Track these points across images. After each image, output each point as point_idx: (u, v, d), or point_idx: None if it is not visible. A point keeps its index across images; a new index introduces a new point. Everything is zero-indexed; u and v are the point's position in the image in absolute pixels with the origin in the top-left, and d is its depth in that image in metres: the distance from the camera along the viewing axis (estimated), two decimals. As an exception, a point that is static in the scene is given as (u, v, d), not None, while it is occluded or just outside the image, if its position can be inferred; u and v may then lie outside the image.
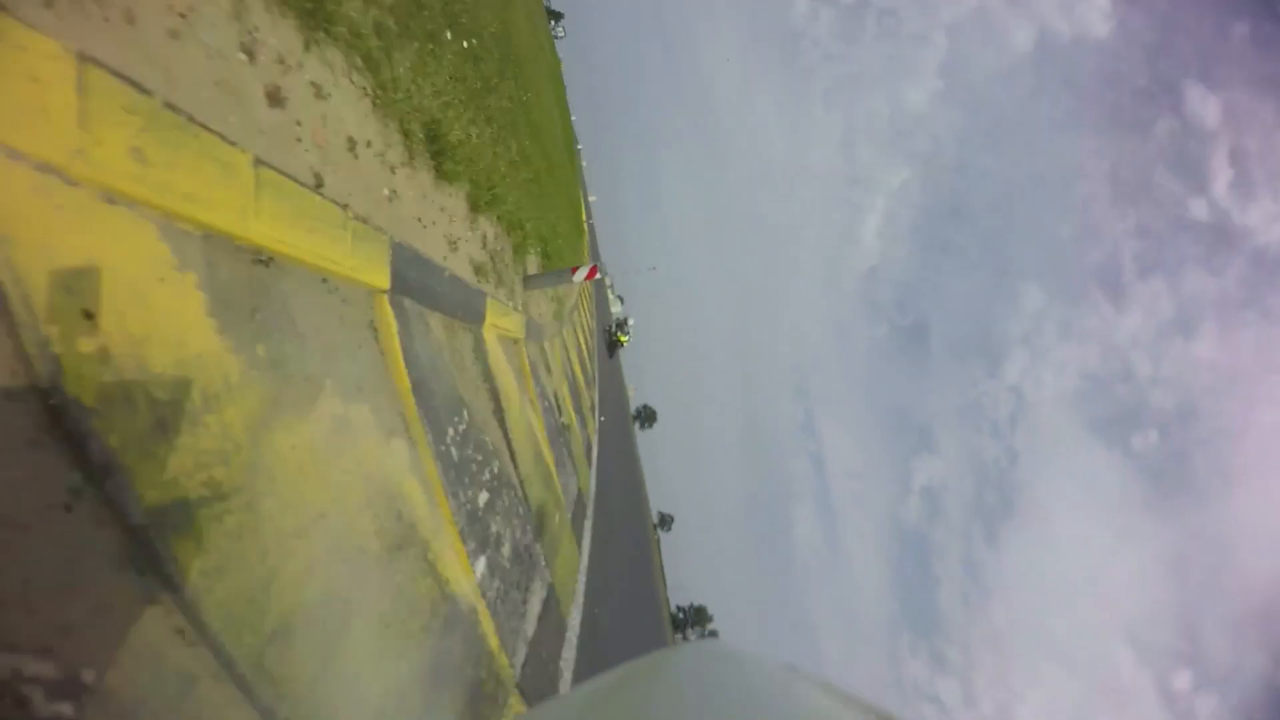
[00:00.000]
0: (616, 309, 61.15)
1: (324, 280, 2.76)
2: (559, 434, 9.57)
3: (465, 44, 6.74)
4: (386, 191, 3.53)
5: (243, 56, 2.28)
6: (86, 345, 1.47)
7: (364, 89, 3.37)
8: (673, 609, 79.32)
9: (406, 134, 3.98)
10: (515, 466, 5.72)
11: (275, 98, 2.45)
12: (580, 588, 7.82)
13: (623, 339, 29.06)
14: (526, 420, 6.95)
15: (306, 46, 2.80)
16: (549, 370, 10.42)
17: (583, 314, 24.56)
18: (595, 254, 53.15)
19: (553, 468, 8.09)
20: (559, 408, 10.41)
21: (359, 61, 3.34)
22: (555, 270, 9.50)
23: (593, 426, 16.68)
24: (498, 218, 6.76)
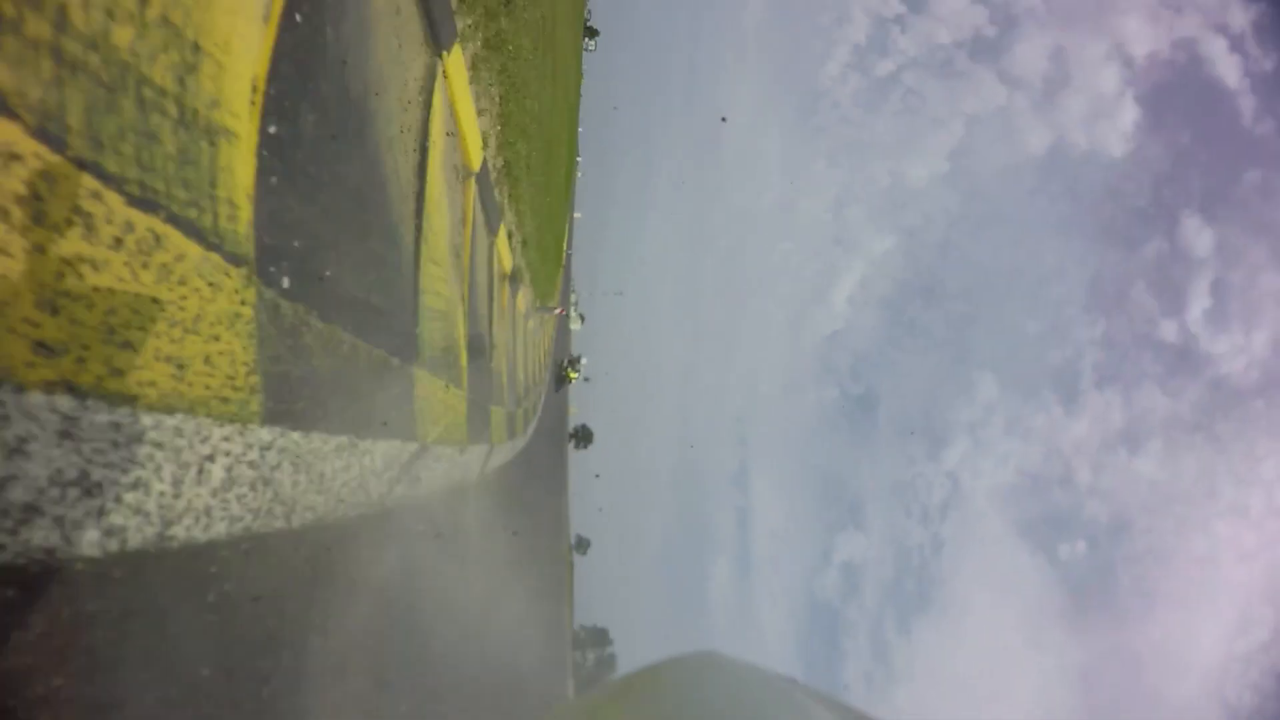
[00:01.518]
0: (576, 326, 62.11)
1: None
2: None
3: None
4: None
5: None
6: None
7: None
8: (575, 627, 79.30)
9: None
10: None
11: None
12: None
13: (571, 375, 30.03)
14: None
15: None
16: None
17: (544, 333, 25.51)
18: (568, 277, 53.73)
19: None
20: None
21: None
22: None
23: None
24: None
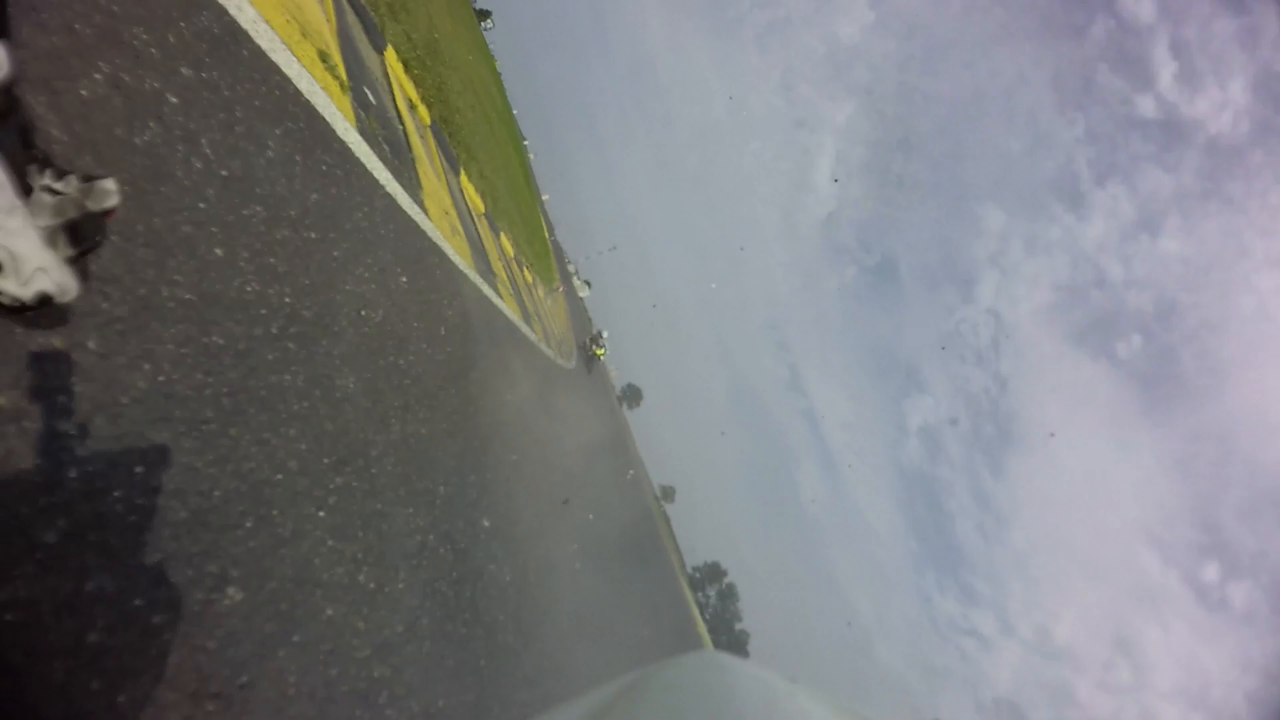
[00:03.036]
0: (585, 293, 62.54)
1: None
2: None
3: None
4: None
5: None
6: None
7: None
8: (687, 570, 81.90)
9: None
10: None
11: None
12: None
13: (599, 352, 30.39)
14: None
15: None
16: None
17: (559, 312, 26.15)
18: (559, 257, 54.13)
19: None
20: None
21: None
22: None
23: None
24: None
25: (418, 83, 8.27)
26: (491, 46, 60.17)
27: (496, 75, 50.40)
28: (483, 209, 11.68)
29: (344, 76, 4.54)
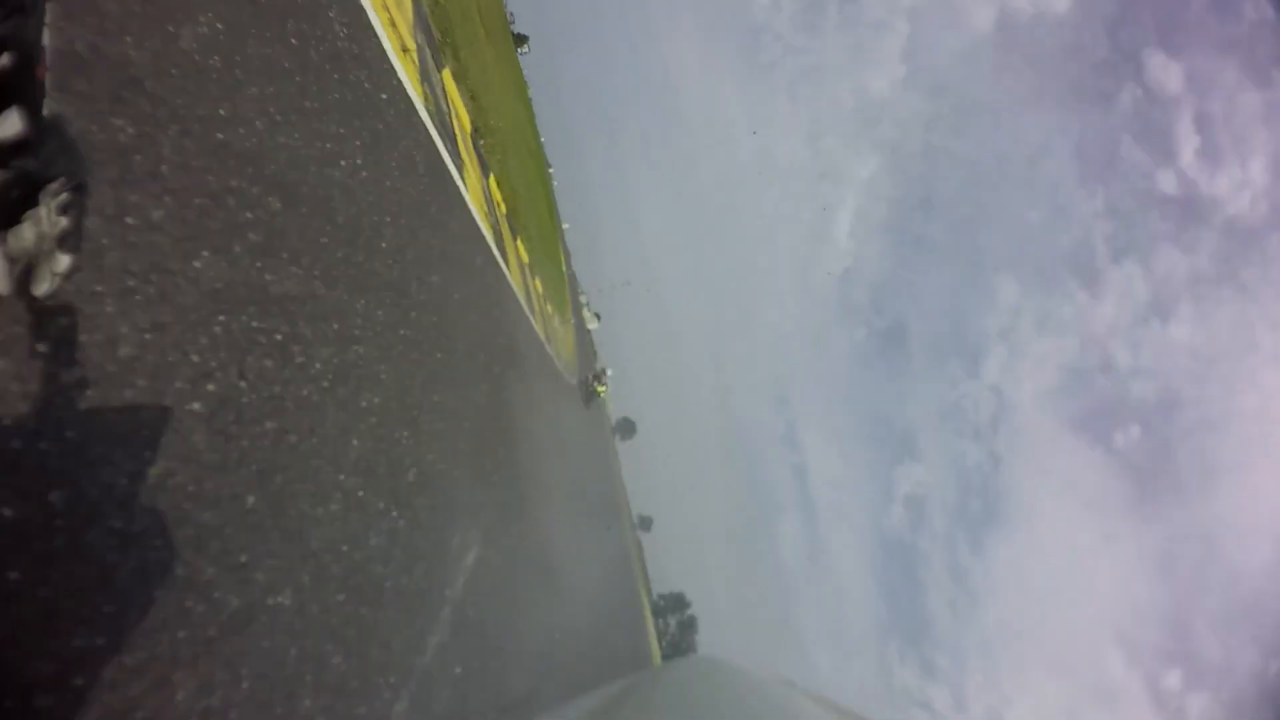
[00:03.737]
0: (594, 325, 64.03)
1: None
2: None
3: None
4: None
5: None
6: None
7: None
8: (653, 597, 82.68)
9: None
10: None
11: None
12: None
13: (600, 390, 29.09)
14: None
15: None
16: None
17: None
18: (573, 287, 56.09)
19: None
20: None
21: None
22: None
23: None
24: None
25: (470, 99, 10.74)
26: (525, 71, 63.73)
27: (528, 102, 53.44)
28: (505, 210, 14.06)
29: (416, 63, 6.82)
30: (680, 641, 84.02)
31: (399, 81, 5.71)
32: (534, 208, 25.87)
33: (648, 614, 63.19)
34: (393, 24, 6.07)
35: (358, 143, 4.06)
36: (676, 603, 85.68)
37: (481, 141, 12.14)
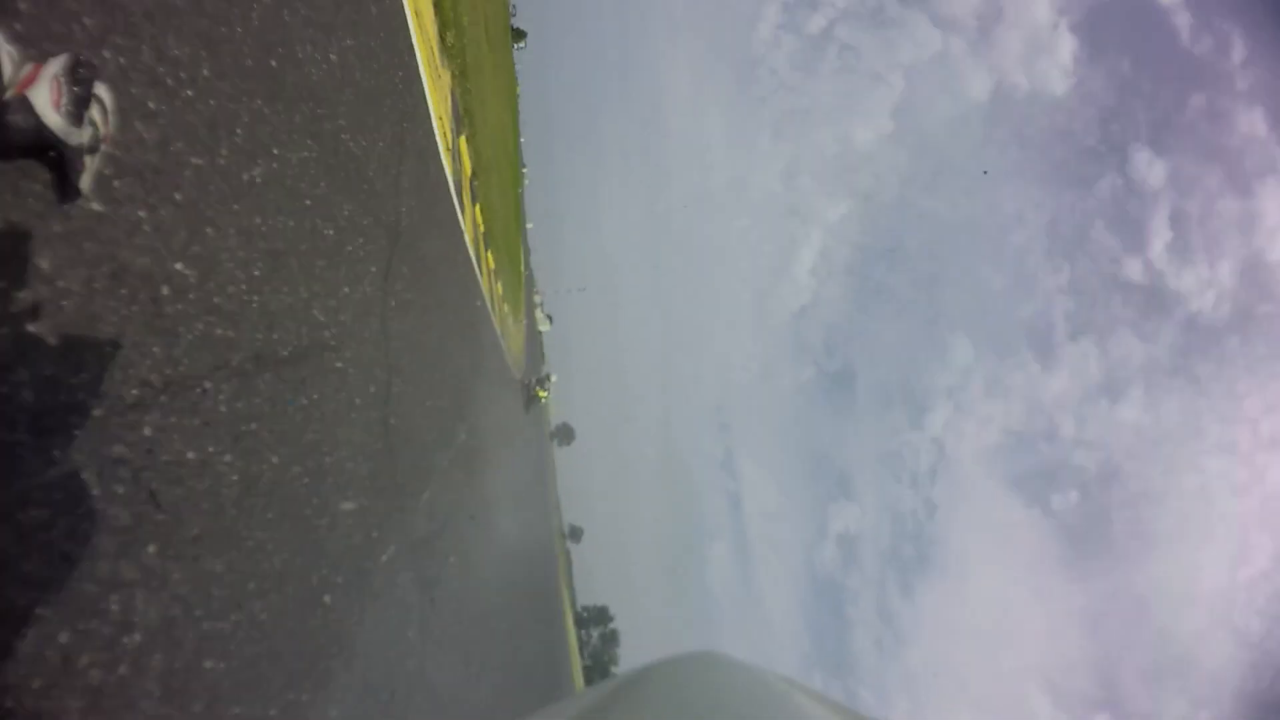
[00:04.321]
0: (545, 328, 63.79)
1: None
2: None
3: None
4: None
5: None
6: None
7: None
8: (578, 608, 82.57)
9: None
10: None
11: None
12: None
13: (542, 395, 29.45)
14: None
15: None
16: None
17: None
18: (529, 290, 56.62)
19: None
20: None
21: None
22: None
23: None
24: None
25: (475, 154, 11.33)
26: (518, 66, 63.79)
27: (515, 104, 53.49)
28: (483, 230, 14.51)
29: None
30: (601, 654, 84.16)
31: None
32: (504, 215, 26.04)
33: (570, 624, 63.00)
34: (440, 119, 7.38)
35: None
36: (600, 615, 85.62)
37: (476, 182, 12.63)
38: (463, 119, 11.17)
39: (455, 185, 9.44)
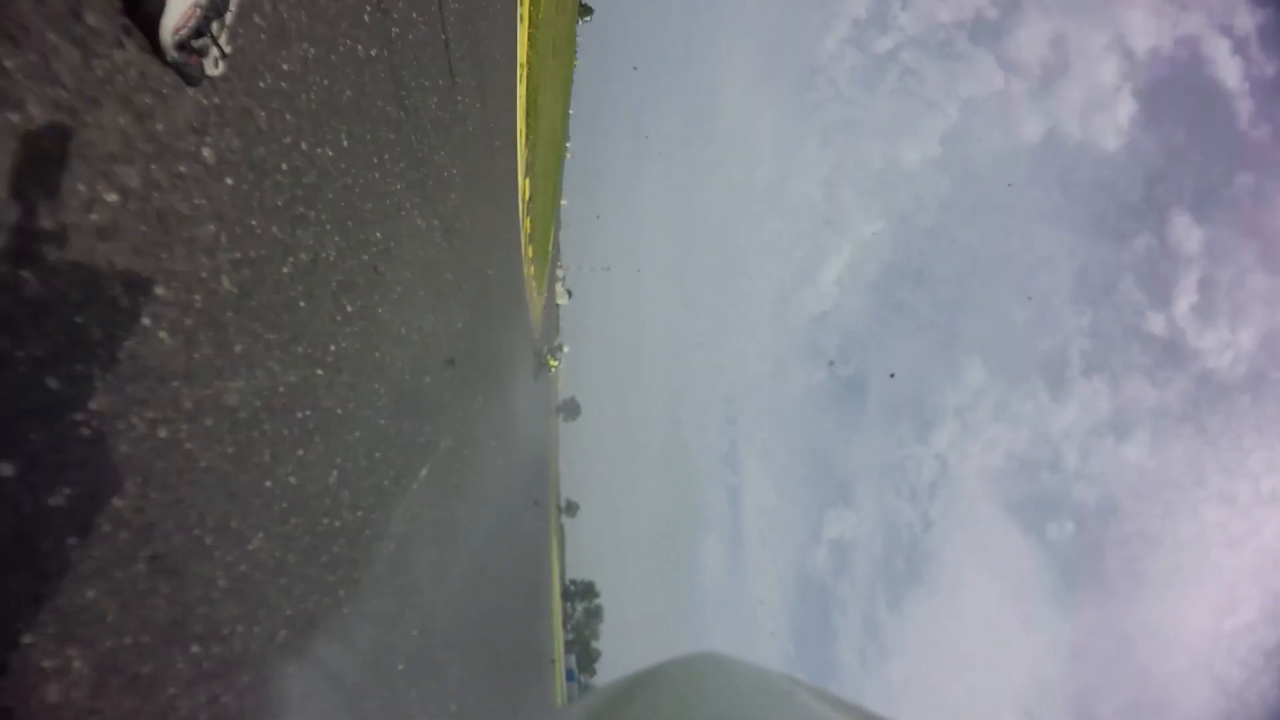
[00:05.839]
0: (564, 301, 63.95)
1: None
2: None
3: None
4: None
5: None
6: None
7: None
8: (565, 581, 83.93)
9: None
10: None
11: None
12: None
13: (552, 364, 28.67)
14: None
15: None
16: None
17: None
18: (554, 263, 56.41)
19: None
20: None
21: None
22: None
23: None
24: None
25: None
26: (579, 39, 63.80)
27: (569, 88, 53.42)
28: (528, 198, 15.30)
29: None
30: (584, 628, 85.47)
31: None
32: (544, 190, 26.55)
33: (556, 594, 64.04)
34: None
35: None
36: (586, 590, 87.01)
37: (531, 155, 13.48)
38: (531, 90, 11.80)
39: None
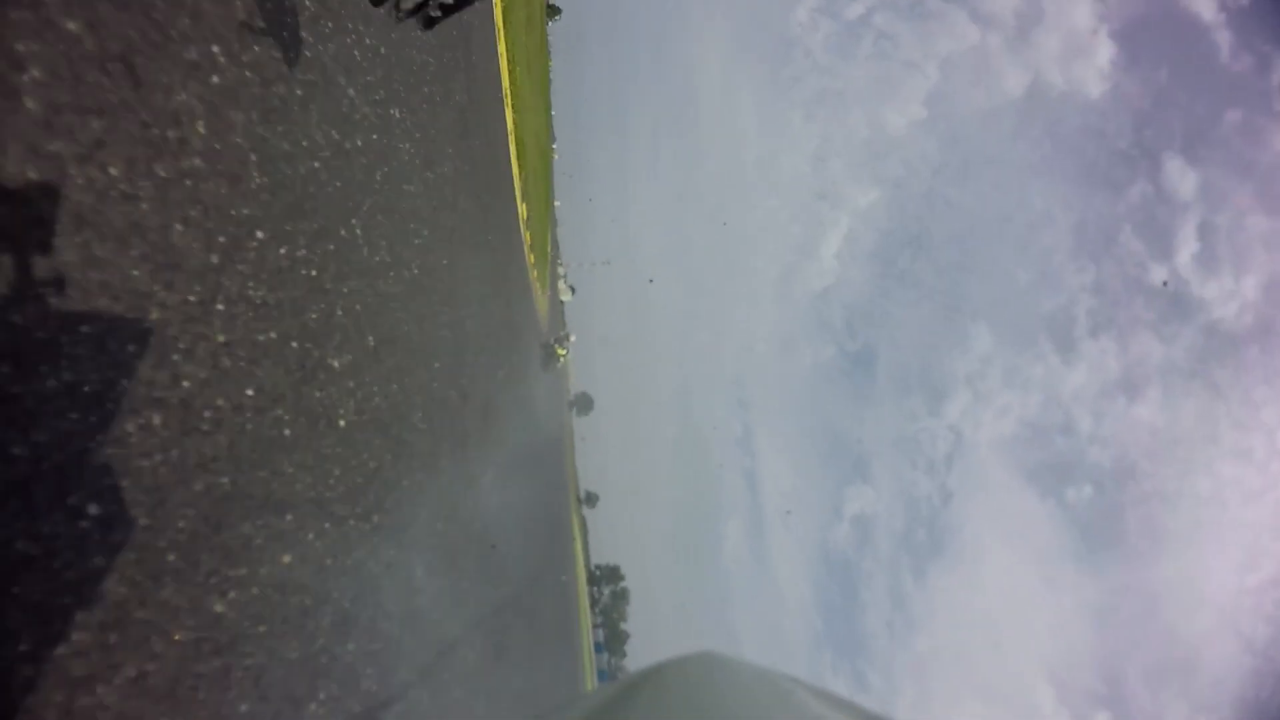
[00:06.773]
0: (567, 298, 65.24)
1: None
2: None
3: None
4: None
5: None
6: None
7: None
8: (590, 566, 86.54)
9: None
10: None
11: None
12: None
13: (561, 353, 29.76)
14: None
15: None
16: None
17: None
18: (554, 262, 58.05)
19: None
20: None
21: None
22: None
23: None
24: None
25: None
26: (551, 39, 64.74)
27: (547, 89, 54.64)
28: (525, 216, 17.05)
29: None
30: (611, 610, 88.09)
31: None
32: (537, 198, 28.35)
33: (581, 576, 66.29)
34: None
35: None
36: (612, 574, 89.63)
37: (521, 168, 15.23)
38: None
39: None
